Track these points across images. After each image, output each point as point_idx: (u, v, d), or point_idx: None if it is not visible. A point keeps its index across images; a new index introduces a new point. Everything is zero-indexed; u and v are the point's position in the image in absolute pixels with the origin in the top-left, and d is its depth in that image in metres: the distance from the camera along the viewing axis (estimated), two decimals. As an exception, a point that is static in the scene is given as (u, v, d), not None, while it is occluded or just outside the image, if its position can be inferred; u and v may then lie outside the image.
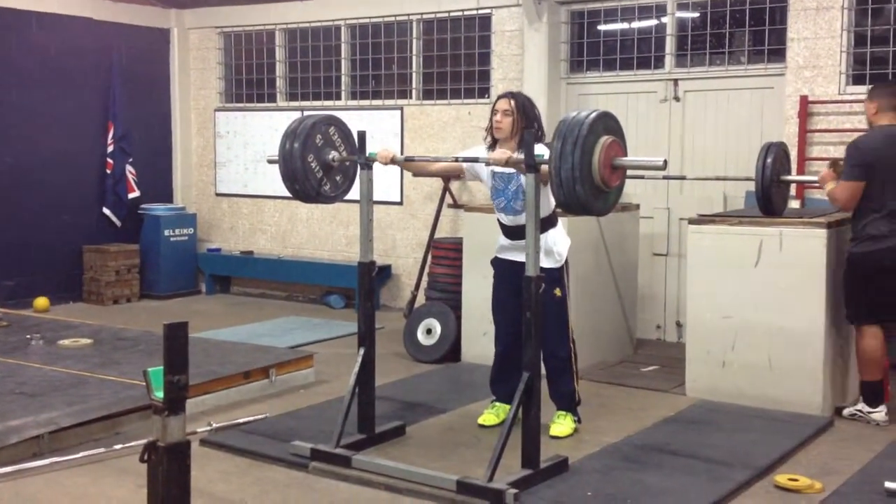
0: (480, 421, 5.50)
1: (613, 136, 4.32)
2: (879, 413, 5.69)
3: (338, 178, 5.29)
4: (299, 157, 5.05)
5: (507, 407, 5.21)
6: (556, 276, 5.14)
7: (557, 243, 5.19)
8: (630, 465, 4.88)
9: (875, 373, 5.73)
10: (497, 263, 5.39)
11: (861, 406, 5.75)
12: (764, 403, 5.87)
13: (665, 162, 4.33)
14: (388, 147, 5.43)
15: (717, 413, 5.82)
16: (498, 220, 5.28)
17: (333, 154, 5.18)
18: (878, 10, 7.14)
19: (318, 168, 5.17)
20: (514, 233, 5.15)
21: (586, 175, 4.17)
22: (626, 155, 4.40)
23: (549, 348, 5.18)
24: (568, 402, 5.39)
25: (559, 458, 4.77)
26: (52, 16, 9.63)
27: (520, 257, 4.85)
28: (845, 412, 5.80)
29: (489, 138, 5.22)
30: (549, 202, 5.05)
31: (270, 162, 5.34)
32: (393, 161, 5.12)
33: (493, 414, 5.53)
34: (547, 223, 5.07)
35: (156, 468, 3.01)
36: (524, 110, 5.06)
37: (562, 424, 5.33)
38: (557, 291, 5.17)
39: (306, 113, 9.79)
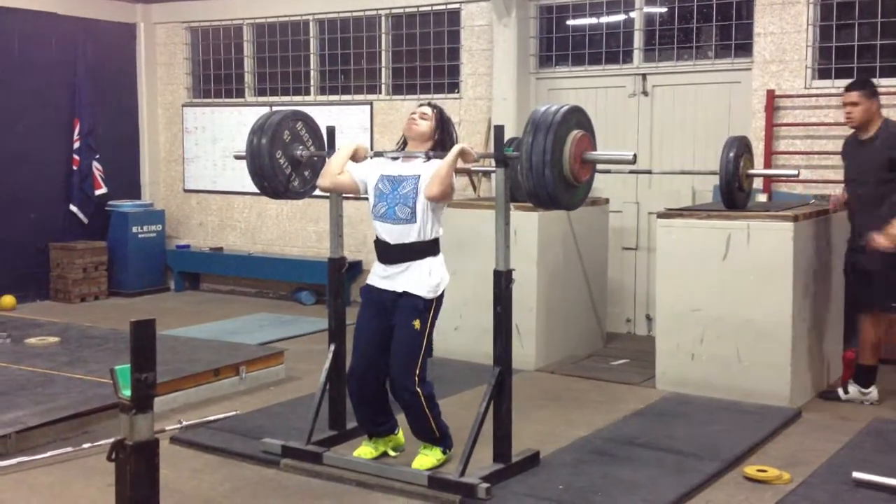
0: (356, 454, 4.84)
1: (584, 131, 4.35)
2: (872, 393, 5.96)
3: (306, 173, 5.22)
4: (267, 153, 4.99)
5: (387, 439, 4.91)
6: (419, 306, 4.58)
7: (433, 274, 4.62)
8: (600, 459, 4.91)
9: (872, 358, 5.99)
10: (366, 291, 4.79)
11: (857, 388, 5.98)
12: (733, 395, 5.92)
13: (634, 156, 4.40)
14: (355, 141, 5.08)
15: (686, 405, 5.86)
16: (375, 240, 4.75)
17: (301, 149, 5.12)
18: (843, 4, 7.20)
19: (287, 164, 5.11)
20: (389, 255, 4.65)
21: (556, 160, 4.18)
22: (595, 150, 4.43)
23: (394, 376, 4.63)
24: (428, 438, 4.76)
25: (530, 452, 4.78)
26: (15, 10, 9.51)
27: (391, 286, 4.62)
28: (843, 396, 5.98)
29: (401, 141, 4.86)
30: (436, 229, 4.65)
31: (238, 158, 5.29)
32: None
33: (370, 447, 4.90)
34: (426, 251, 4.61)
35: (124, 467, 2.99)
36: (443, 123, 4.76)
37: (426, 455, 4.73)
38: (417, 323, 4.56)
39: (275, 108, 9.84)
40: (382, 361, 4.69)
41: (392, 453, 4.94)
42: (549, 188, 4.22)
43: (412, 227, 4.58)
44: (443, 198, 4.56)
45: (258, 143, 4.99)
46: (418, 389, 4.59)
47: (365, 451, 4.88)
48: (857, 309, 6.15)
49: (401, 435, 4.98)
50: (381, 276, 4.71)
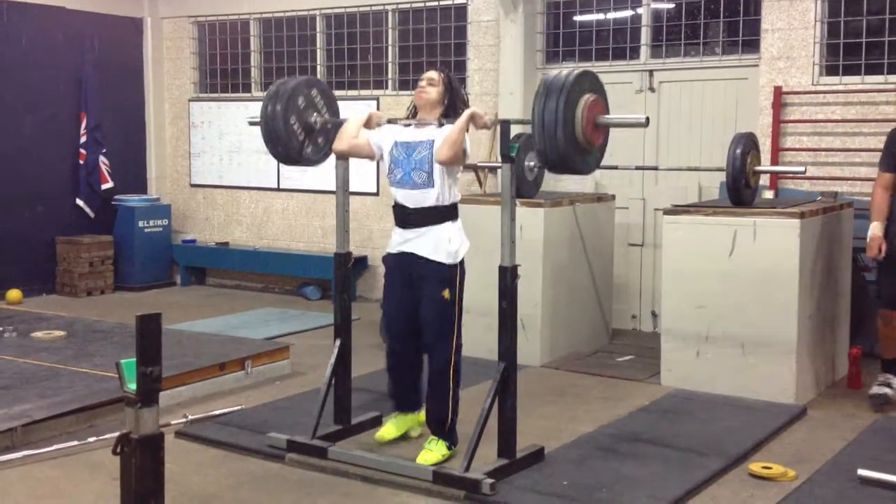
0: (378, 436, 5.01)
1: (597, 95, 4.32)
2: None
3: (320, 139, 5.14)
4: (281, 119, 4.91)
5: (410, 418, 5.07)
6: (445, 275, 4.66)
7: (452, 240, 4.68)
8: (605, 455, 4.91)
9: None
10: (390, 259, 4.88)
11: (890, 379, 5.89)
12: (738, 392, 5.91)
13: (647, 119, 4.39)
14: (364, 110, 5.08)
15: (691, 402, 5.85)
16: (393, 206, 4.80)
17: (316, 116, 5.07)
18: (850, 1, 7.17)
19: (301, 130, 5.03)
20: (407, 220, 4.70)
21: (568, 121, 4.14)
22: (608, 114, 4.40)
23: (429, 349, 4.79)
24: (438, 428, 4.82)
25: (535, 448, 4.78)
26: (23, 5, 9.53)
27: (414, 249, 4.69)
28: (875, 391, 5.83)
29: (410, 109, 4.91)
30: (454, 193, 4.70)
31: (252, 124, 5.23)
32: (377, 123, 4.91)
33: (393, 426, 5.05)
34: (445, 215, 4.67)
35: (129, 461, 2.99)
36: (451, 85, 4.76)
37: (430, 451, 4.74)
38: (446, 293, 4.66)
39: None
40: (415, 331, 4.82)
41: (413, 434, 5.08)
42: (560, 149, 4.17)
43: (429, 192, 4.64)
44: (454, 161, 4.58)
45: (272, 109, 4.93)
46: (452, 359, 4.70)
47: (388, 430, 5.01)
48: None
49: (423, 414, 5.07)
50: (400, 242, 4.78)
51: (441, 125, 4.66)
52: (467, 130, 4.56)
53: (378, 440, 4.99)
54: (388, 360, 5.03)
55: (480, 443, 4.48)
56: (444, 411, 4.78)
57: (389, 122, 4.91)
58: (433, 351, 4.79)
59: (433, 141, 4.62)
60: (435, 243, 4.67)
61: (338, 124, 5.04)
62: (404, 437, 5.07)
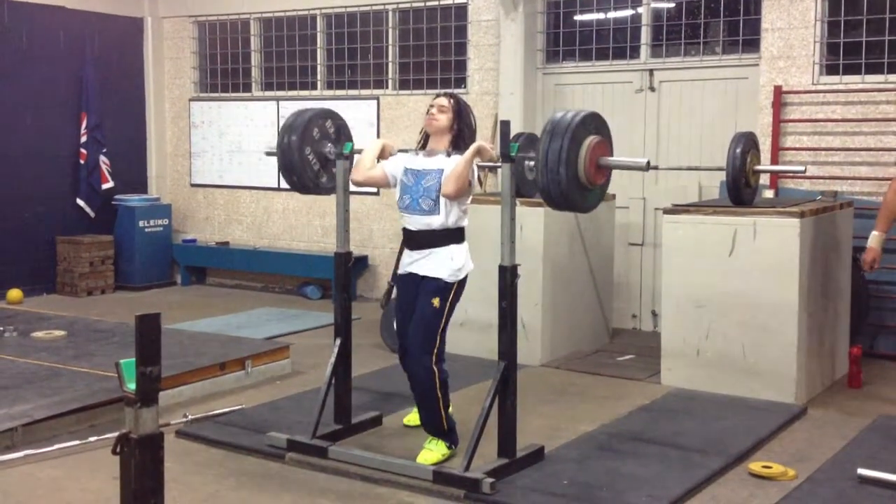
0: (406, 421, 5.37)
1: (601, 136, 4.41)
2: None
3: (334, 169, 5.28)
4: (297, 150, 5.11)
5: None
6: (440, 286, 4.77)
7: (455, 259, 4.79)
8: (605, 454, 4.91)
9: None
10: (399, 280, 5.05)
11: None
12: (738, 392, 5.91)
13: (648, 163, 4.50)
14: (378, 140, 5.23)
15: (691, 401, 5.86)
16: (402, 229, 4.95)
17: (330, 147, 5.22)
18: (850, 0, 7.17)
19: (315, 160, 5.22)
20: (415, 241, 4.86)
21: (571, 161, 4.23)
22: (612, 155, 4.50)
23: (411, 351, 4.86)
24: (435, 431, 4.87)
25: (535, 447, 4.79)
26: (24, 4, 9.54)
27: (418, 269, 4.82)
28: None
29: (421, 136, 5.06)
30: (460, 218, 4.82)
31: (269, 154, 5.44)
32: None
33: (418, 413, 5.15)
34: (451, 237, 4.80)
35: (129, 460, 2.98)
36: (461, 112, 4.90)
37: (430, 451, 4.81)
38: (436, 301, 4.75)
39: (282, 103, 9.87)
40: None
41: None
42: (562, 186, 4.25)
43: (435, 218, 4.77)
44: (458, 196, 4.72)
45: (288, 140, 5.12)
46: (434, 368, 4.77)
47: (414, 417, 5.26)
48: None
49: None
50: (408, 263, 4.93)
51: (449, 155, 4.81)
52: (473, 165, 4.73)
53: (405, 424, 5.34)
54: (404, 368, 5.05)
55: (481, 442, 4.48)
56: (436, 419, 4.84)
57: (401, 151, 5.11)
58: (416, 362, 4.81)
59: (442, 170, 4.77)
60: (438, 262, 4.80)
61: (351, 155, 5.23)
62: None
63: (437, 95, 5.01)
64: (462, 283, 4.86)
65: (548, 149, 4.25)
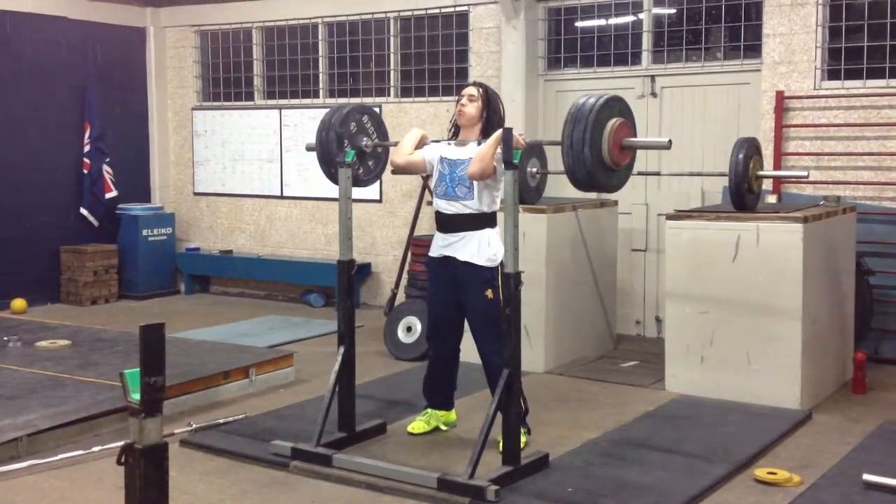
0: (409, 429, 5.34)
1: (623, 118, 4.53)
2: None
3: (370, 162, 5.48)
4: (335, 144, 5.21)
5: (439, 414, 5.38)
6: (487, 276, 4.99)
7: (492, 244, 5.01)
8: (610, 461, 4.90)
9: None
10: (433, 263, 5.21)
11: None
12: (743, 397, 5.90)
13: (670, 141, 4.58)
14: (417, 129, 5.41)
15: (696, 408, 5.85)
16: (435, 213, 5.16)
17: (366, 140, 5.35)
18: (852, 5, 7.18)
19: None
20: (449, 224, 5.06)
21: (596, 142, 4.36)
22: (635, 136, 4.61)
23: (483, 354, 5.07)
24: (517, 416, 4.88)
25: (540, 455, 4.78)
26: (27, 15, 9.56)
27: (453, 253, 5.02)
28: None
29: (452, 126, 5.26)
30: (494, 200, 5.04)
31: (309, 149, 5.52)
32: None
33: (423, 421, 5.36)
34: (486, 221, 5.03)
35: (133, 470, 2.99)
36: (490, 100, 5.11)
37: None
38: (489, 293, 4.98)
39: (284, 111, 9.89)
40: (454, 332, 5.21)
41: (444, 427, 5.38)
42: (587, 166, 4.36)
43: (470, 203, 5.00)
44: (482, 176, 4.87)
45: (326, 136, 5.24)
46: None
47: (418, 425, 5.32)
48: None
49: (454, 413, 5.44)
50: (442, 246, 5.11)
51: (479, 144, 4.97)
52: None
53: (409, 432, 5.32)
54: (430, 353, 5.33)
55: (485, 450, 4.48)
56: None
57: (433, 142, 5.31)
58: (486, 354, 5.04)
59: (467, 161, 4.96)
60: (476, 248, 4.98)
61: (387, 147, 5.45)
62: (433, 432, 5.34)
63: (467, 85, 5.22)
64: (501, 266, 4.90)
65: (572, 131, 4.36)
